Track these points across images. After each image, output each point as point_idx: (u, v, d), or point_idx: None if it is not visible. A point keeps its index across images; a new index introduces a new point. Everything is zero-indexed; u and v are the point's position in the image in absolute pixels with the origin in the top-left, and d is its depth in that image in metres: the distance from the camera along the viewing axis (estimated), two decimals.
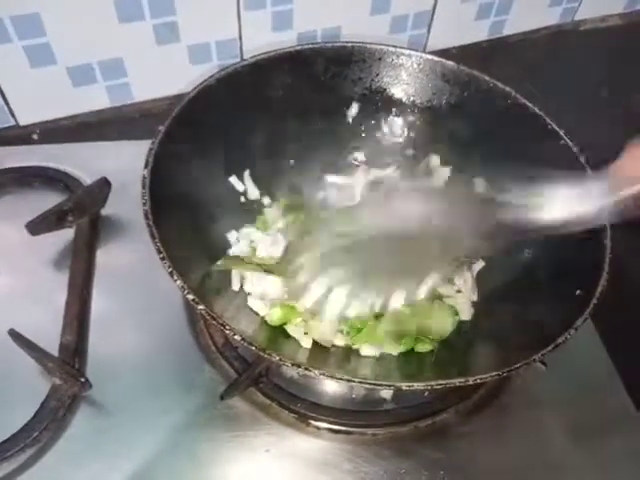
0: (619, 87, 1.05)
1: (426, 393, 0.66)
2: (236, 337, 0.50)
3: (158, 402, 0.63)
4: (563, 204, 0.50)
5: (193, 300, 0.51)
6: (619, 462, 0.64)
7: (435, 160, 0.78)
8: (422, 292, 0.61)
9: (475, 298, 0.70)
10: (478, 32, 1.09)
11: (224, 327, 0.50)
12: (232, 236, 0.72)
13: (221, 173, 0.72)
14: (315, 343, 0.62)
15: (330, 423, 0.63)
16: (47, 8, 0.76)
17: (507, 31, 1.11)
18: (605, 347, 0.72)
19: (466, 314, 0.69)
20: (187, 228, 0.63)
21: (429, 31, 1.03)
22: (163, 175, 0.60)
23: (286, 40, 0.94)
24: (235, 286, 0.68)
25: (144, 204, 0.55)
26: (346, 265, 0.59)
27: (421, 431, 0.64)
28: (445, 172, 0.78)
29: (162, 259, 0.52)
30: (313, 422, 0.63)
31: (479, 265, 0.73)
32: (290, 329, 0.64)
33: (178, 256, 0.55)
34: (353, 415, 0.64)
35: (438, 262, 0.58)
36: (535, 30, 1.14)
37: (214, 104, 0.68)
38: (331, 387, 0.66)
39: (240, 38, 0.91)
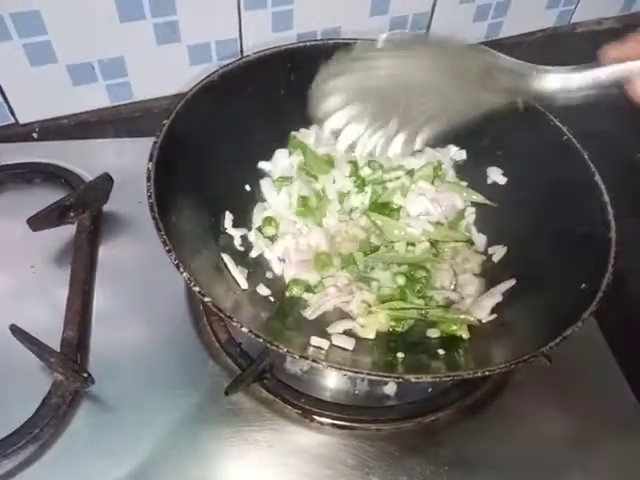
0: None
1: (430, 389, 0.66)
2: (243, 329, 0.49)
3: (161, 398, 0.63)
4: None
5: (200, 292, 0.51)
6: (621, 461, 0.64)
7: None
8: (418, 142, 0.59)
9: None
10: (476, 34, 1.09)
11: (231, 319, 0.50)
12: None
13: (224, 167, 0.72)
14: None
15: (334, 419, 0.63)
16: (48, 6, 0.76)
17: (504, 33, 1.11)
18: (608, 345, 0.71)
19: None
20: (191, 221, 0.63)
21: (428, 32, 1.04)
22: (167, 169, 0.59)
23: (286, 40, 0.93)
24: (242, 284, 0.67)
25: (149, 197, 0.55)
26: (366, 102, 0.59)
27: (425, 427, 0.64)
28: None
29: (168, 251, 0.52)
30: (317, 418, 0.63)
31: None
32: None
33: (183, 249, 0.54)
34: (357, 411, 0.64)
35: (439, 114, 0.57)
36: (531, 32, 1.14)
37: (217, 99, 0.68)
38: (334, 383, 0.66)
39: (240, 38, 0.91)
